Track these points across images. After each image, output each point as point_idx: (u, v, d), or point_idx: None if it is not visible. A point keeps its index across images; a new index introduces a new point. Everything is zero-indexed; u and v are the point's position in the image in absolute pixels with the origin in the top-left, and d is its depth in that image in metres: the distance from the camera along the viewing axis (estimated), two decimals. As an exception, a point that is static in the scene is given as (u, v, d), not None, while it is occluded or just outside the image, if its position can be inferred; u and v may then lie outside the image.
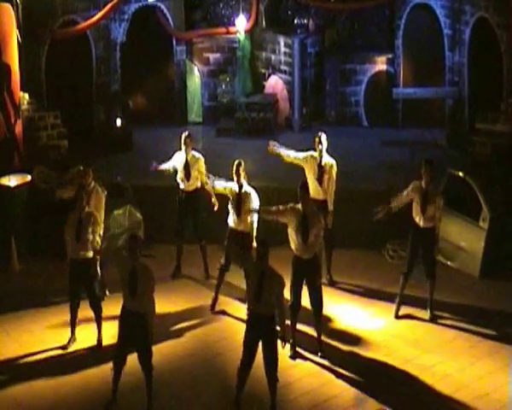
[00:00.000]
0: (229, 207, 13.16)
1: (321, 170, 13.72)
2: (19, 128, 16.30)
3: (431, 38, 19.59)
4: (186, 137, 14.20)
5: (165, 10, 20.54)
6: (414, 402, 11.03)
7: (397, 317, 13.09)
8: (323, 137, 13.80)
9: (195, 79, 21.15)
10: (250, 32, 20.88)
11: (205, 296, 13.73)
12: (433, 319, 12.98)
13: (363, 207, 15.09)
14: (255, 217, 12.98)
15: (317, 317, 12.09)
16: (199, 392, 11.22)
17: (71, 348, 12.31)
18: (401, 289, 13.08)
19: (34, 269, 14.63)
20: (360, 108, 20.56)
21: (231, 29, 20.73)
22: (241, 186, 13.01)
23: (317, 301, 12.01)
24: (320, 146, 13.74)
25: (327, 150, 13.84)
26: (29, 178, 15.43)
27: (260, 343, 10.53)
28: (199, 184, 14.24)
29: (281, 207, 12.06)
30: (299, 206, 11.88)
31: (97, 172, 13.72)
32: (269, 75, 21.04)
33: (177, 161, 14.27)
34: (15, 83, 16.18)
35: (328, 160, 13.80)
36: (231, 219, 13.17)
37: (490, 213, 14.21)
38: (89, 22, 18.03)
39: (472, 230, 14.44)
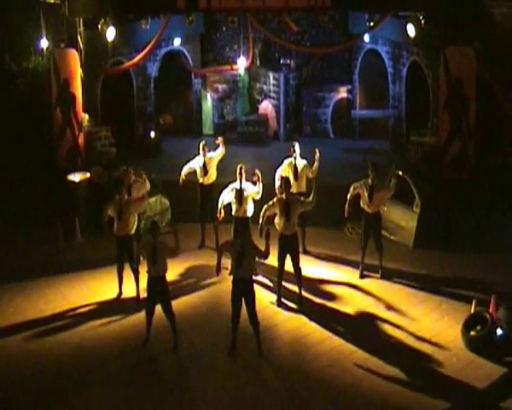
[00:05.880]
0: (233, 200, 12.88)
1: (296, 171, 13.61)
2: (81, 139, 16.21)
3: (378, 74, 19.41)
4: (203, 145, 14.14)
5: (187, 53, 20.35)
6: (360, 333, 11.10)
7: (361, 277, 12.98)
8: (297, 146, 13.74)
9: (208, 103, 20.97)
10: (248, 69, 20.75)
11: (214, 261, 13.52)
12: (382, 278, 12.93)
13: (330, 196, 15.06)
14: (252, 206, 12.89)
15: (298, 277, 12.02)
16: (208, 331, 11.24)
17: (119, 299, 12.30)
18: (362, 257, 13.02)
19: (92, 241, 14.58)
20: (328, 124, 20.37)
21: (234, 66, 20.55)
22: (241, 183, 12.89)
23: (296, 265, 11.94)
24: (294, 153, 13.66)
25: (300, 155, 13.74)
26: (88, 175, 15.42)
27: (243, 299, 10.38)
28: (213, 180, 14.11)
29: (270, 202, 11.87)
30: (283, 195, 11.81)
31: (136, 170, 13.52)
32: (261, 100, 20.85)
33: (195, 163, 14.14)
34: (79, 107, 16.10)
35: (300, 162, 13.69)
36: (234, 209, 12.93)
37: (420, 201, 14.19)
38: (131, 62, 17.84)
39: (408, 213, 14.41)
